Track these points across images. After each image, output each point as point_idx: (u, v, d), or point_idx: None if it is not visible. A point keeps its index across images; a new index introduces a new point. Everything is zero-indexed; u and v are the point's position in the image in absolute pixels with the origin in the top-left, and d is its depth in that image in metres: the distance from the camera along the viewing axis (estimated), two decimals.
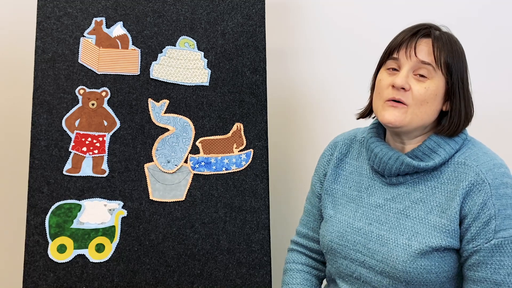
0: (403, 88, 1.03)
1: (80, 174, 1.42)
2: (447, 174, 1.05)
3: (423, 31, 1.06)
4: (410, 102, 1.04)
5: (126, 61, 1.45)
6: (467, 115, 1.07)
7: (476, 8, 1.70)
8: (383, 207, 1.10)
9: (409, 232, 1.05)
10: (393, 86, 1.05)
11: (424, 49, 1.04)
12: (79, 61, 1.44)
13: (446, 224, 1.02)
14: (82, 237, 1.40)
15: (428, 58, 1.04)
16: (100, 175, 1.42)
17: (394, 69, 1.07)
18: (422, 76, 1.04)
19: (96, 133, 1.43)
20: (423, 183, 1.07)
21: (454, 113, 1.06)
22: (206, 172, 1.46)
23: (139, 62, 1.46)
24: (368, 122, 1.22)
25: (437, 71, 1.04)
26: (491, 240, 0.99)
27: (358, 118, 1.21)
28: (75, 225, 1.40)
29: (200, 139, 1.47)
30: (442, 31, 1.08)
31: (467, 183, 1.01)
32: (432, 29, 1.07)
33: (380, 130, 1.17)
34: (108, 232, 1.41)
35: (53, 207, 1.40)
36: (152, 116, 1.45)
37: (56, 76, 1.42)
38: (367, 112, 1.19)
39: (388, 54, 1.09)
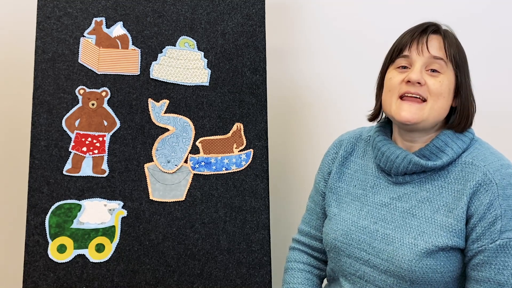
0: (419, 83, 1.04)
1: (80, 174, 1.42)
2: (454, 173, 1.06)
3: (432, 27, 1.08)
4: (427, 96, 1.04)
5: (126, 61, 1.45)
6: (472, 110, 1.09)
7: (475, 8, 1.70)
8: (389, 206, 1.10)
9: (415, 231, 1.05)
10: (407, 82, 1.05)
11: (435, 44, 1.06)
12: (79, 61, 1.44)
13: (453, 224, 1.02)
14: (82, 237, 1.40)
15: (439, 53, 1.05)
16: (100, 175, 1.42)
17: (404, 67, 1.08)
18: (434, 71, 1.05)
19: (96, 133, 1.43)
20: (430, 183, 1.07)
21: (464, 108, 1.07)
22: (206, 172, 1.46)
23: (139, 62, 1.46)
24: (375, 122, 1.22)
25: (448, 65, 1.05)
26: (496, 240, 0.99)
27: (370, 120, 1.21)
28: (75, 225, 1.40)
29: (200, 139, 1.47)
30: (447, 29, 1.10)
31: (475, 183, 1.01)
32: (440, 26, 1.09)
33: (387, 129, 1.17)
34: (108, 232, 1.41)
35: (53, 207, 1.40)
36: (152, 116, 1.45)
37: (56, 76, 1.42)
38: (377, 113, 1.19)
39: (398, 52, 1.09)
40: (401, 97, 1.06)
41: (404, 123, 1.05)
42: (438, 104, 1.04)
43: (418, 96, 1.04)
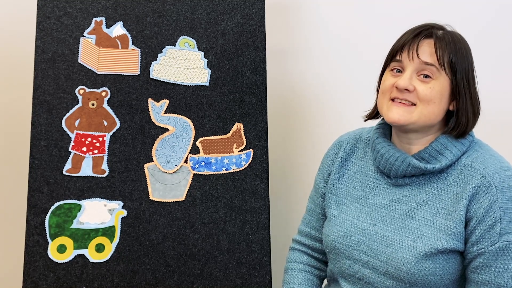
0: (407, 90, 1.04)
1: (80, 174, 1.41)
2: (453, 176, 1.05)
3: (425, 32, 1.06)
4: (416, 101, 1.04)
5: (126, 61, 1.45)
6: (474, 114, 1.06)
7: (475, 8, 1.70)
8: (388, 208, 1.10)
9: (414, 234, 1.04)
10: (397, 87, 1.05)
11: (427, 50, 1.04)
12: (79, 61, 1.44)
13: (452, 227, 1.02)
14: (82, 237, 1.40)
15: (430, 59, 1.03)
16: (100, 175, 1.42)
17: (398, 71, 1.07)
18: (426, 76, 1.04)
19: (96, 133, 1.43)
20: (429, 185, 1.07)
21: (461, 113, 1.05)
22: (206, 172, 1.46)
23: (139, 62, 1.45)
24: (374, 122, 1.22)
25: (440, 71, 1.03)
26: (496, 243, 0.99)
27: (365, 120, 1.21)
28: (75, 225, 1.40)
29: (200, 139, 1.47)
30: (446, 31, 1.07)
31: (474, 185, 1.01)
32: (434, 29, 1.06)
33: (386, 130, 1.17)
34: (108, 232, 1.41)
35: (53, 207, 1.40)
36: (152, 116, 1.45)
37: (56, 76, 1.42)
38: (374, 113, 1.19)
39: (392, 56, 1.09)
40: (393, 100, 1.07)
41: (392, 124, 1.07)
42: (428, 109, 1.04)
43: (406, 102, 1.05)
